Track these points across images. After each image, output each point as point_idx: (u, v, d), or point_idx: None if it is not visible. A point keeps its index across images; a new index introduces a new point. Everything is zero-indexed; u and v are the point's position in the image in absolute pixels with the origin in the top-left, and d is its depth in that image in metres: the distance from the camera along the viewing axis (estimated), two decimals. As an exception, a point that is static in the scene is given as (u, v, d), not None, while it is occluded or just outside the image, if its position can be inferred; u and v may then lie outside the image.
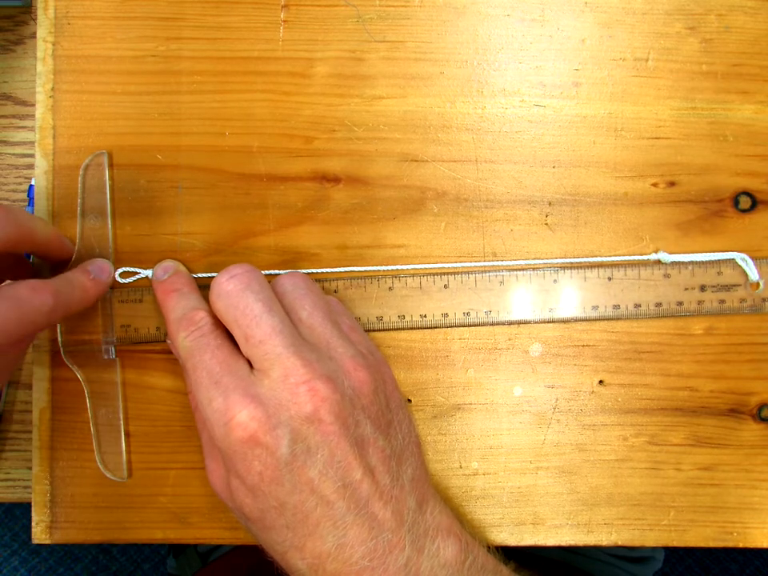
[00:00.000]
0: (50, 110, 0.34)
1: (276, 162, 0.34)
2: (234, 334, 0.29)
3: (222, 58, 0.34)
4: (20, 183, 0.38)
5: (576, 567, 0.46)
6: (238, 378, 0.28)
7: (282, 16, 0.34)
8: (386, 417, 0.29)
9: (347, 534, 0.27)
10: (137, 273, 0.33)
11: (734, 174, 0.35)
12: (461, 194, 0.35)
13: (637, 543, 0.34)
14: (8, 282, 0.30)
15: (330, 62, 0.34)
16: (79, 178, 0.34)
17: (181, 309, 0.31)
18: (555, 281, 0.34)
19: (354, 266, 0.34)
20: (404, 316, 0.34)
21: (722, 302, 0.34)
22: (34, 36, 0.37)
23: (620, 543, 0.34)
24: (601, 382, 0.35)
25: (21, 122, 0.38)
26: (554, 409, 0.34)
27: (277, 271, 0.34)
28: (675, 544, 0.34)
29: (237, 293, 0.29)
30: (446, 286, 0.34)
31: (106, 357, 0.34)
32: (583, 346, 0.35)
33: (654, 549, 0.54)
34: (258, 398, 0.27)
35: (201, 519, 0.34)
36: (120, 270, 0.34)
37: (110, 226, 0.34)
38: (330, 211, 0.35)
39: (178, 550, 0.52)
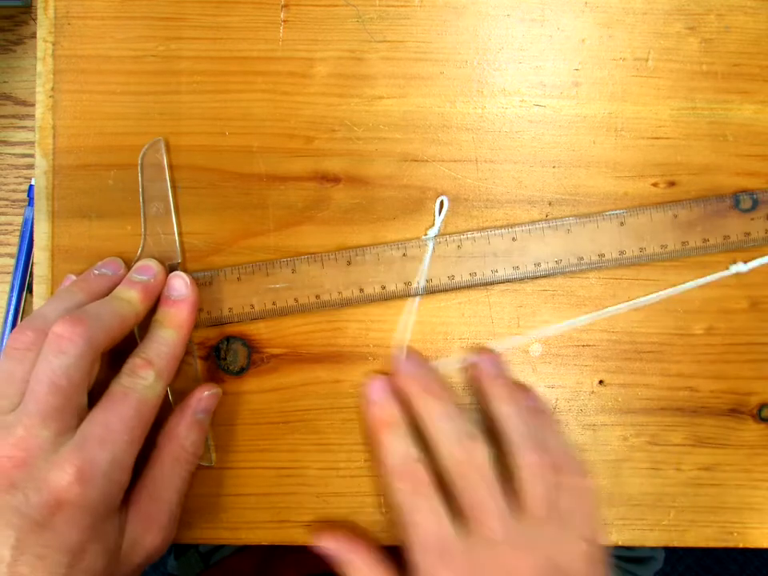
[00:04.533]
0: (50, 110, 0.34)
1: (276, 162, 0.34)
2: None
3: (222, 58, 0.34)
4: (20, 183, 0.38)
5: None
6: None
7: (282, 16, 0.34)
8: None
9: None
10: None
11: (734, 174, 0.35)
12: (461, 194, 0.35)
13: (637, 543, 0.34)
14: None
15: (330, 62, 0.34)
16: (138, 168, 0.34)
17: (399, 456, 0.31)
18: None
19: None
20: (475, 273, 0.34)
21: (747, 234, 0.34)
22: (33, 36, 0.37)
23: (620, 543, 0.34)
24: (601, 382, 0.35)
25: (21, 122, 0.38)
26: (554, 409, 0.34)
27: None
28: (675, 544, 0.34)
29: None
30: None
31: None
32: (583, 345, 0.35)
33: (653, 549, 0.54)
34: None
35: (201, 519, 0.34)
36: None
37: (173, 211, 0.34)
38: (330, 211, 0.35)
39: (179, 551, 0.52)
